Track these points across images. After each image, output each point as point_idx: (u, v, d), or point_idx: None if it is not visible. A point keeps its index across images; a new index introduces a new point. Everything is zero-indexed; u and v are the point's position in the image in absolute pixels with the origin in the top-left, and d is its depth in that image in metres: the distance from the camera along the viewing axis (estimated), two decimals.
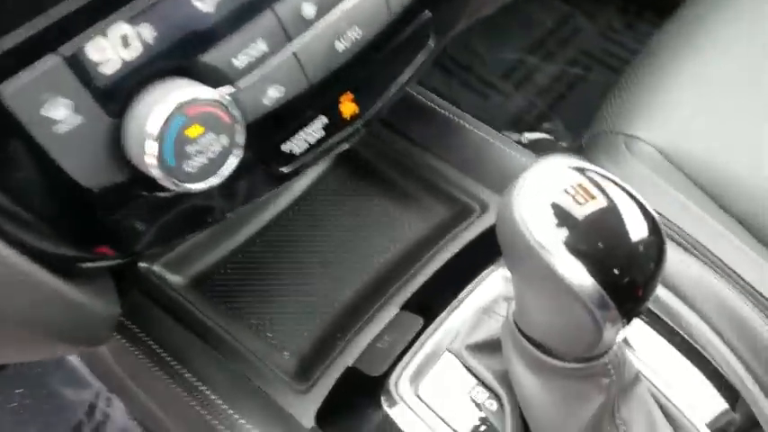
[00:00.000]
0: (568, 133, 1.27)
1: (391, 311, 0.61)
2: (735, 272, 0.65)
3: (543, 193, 0.38)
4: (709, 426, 0.57)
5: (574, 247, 0.36)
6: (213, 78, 0.36)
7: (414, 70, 0.48)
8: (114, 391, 0.95)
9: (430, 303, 0.59)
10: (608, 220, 0.38)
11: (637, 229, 0.37)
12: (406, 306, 0.61)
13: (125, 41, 0.32)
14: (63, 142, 0.32)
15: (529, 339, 0.45)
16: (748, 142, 0.76)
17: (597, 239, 0.37)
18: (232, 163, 0.36)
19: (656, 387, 0.55)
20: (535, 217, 0.37)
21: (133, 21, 0.33)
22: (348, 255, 0.66)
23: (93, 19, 0.31)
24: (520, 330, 0.45)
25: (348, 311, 0.63)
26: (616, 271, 0.37)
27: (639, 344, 0.58)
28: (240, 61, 0.36)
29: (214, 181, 0.36)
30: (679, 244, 0.66)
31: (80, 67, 0.31)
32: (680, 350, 0.58)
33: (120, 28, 0.32)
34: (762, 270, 0.66)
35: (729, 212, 0.73)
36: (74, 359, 0.97)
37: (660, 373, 0.57)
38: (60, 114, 0.31)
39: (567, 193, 0.38)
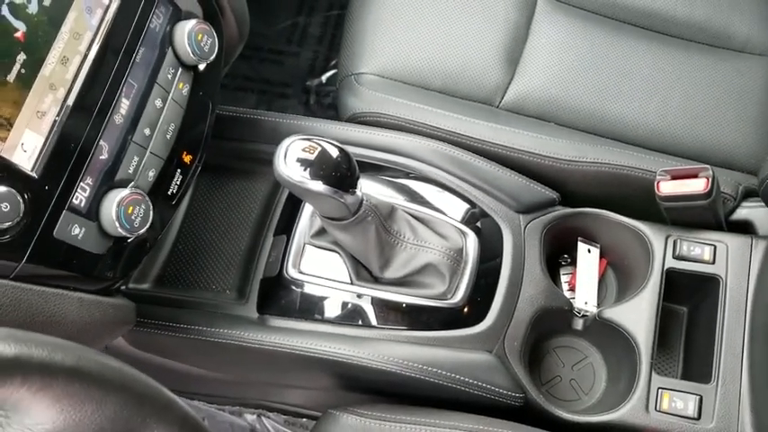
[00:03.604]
0: None
1: (269, 239, 1.05)
2: (444, 129, 1.09)
3: (291, 156, 0.81)
4: (460, 220, 1.03)
5: (314, 175, 0.80)
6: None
7: (212, 110, 0.89)
8: None
9: (286, 225, 1.03)
10: (323, 155, 0.81)
11: (335, 154, 0.81)
12: (276, 233, 1.05)
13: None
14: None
15: (327, 218, 0.89)
16: (429, 41, 1.19)
17: (321, 165, 0.81)
18: (151, 214, 0.77)
19: (410, 209, 1.01)
20: (292, 170, 0.80)
21: None
22: (232, 219, 1.08)
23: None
24: (321, 216, 0.90)
25: (248, 250, 1.06)
26: (333, 175, 0.81)
27: (395, 192, 1.04)
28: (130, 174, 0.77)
29: (147, 224, 0.77)
30: (411, 129, 1.10)
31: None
32: (419, 183, 1.05)
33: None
34: (463, 122, 1.10)
35: (433, 89, 1.18)
36: None
37: (414, 201, 1.03)
38: (77, 231, 0.72)
39: (304, 150, 0.81)
